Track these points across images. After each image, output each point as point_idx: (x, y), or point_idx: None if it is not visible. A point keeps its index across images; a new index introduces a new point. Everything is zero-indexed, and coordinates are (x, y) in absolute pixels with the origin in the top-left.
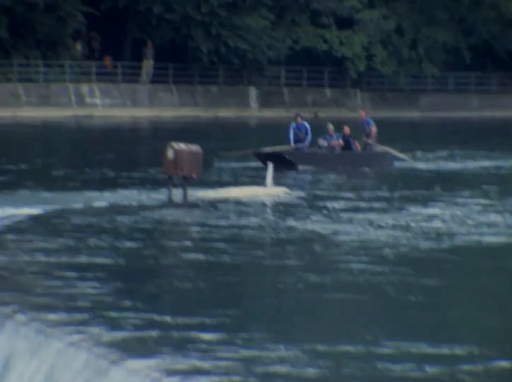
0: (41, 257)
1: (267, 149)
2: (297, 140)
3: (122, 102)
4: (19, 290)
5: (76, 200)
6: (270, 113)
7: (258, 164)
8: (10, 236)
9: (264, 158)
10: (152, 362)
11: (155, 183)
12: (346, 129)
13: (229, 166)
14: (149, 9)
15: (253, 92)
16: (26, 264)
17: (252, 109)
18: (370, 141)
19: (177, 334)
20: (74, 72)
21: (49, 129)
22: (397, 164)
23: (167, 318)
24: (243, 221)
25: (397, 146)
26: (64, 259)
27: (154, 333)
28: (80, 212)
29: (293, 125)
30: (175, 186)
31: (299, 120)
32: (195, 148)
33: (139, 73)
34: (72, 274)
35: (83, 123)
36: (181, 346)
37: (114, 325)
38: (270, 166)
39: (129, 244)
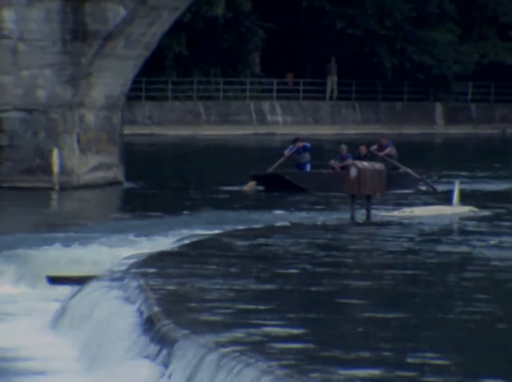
0: (211, 283)
1: (270, 170)
2: (299, 165)
3: (303, 119)
4: (193, 315)
5: (259, 220)
6: (456, 130)
7: None
8: (183, 259)
9: (266, 179)
10: None
11: (337, 203)
12: (363, 149)
13: None
14: (331, 24)
15: (438, 108)
16: (198, 290)
17: (438, 126)
18: (380, 154)
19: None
20: (255, 89)
21: (229, 147)
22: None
23: (334, 352)
24: (425, 244)
25: None
26: (238, 284)
27: (315, 366)
28: (261, 233)
29: (293, 147)
30: (358, 205)
31: (299, 144)
32: (378, 166)
33: (321, 89)
34: (249, 302)
35: (264, 141)
36: None
37: (281, 354)
38: (457, 184)
39: (307, 266)
